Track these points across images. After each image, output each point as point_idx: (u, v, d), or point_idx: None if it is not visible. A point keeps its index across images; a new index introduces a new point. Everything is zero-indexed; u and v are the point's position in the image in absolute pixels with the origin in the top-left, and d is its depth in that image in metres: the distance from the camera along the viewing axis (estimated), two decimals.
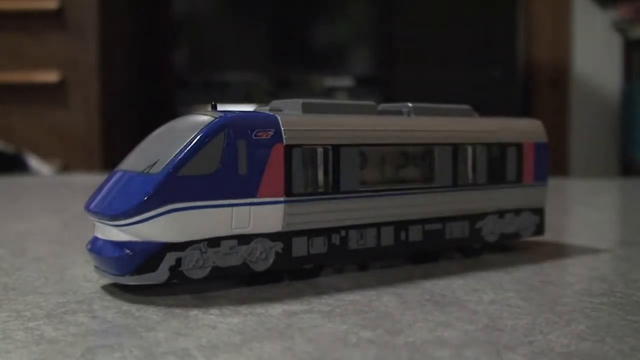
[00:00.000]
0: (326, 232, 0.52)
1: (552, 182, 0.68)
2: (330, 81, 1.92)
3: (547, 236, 0.68)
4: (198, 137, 0.46)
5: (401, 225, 0.56)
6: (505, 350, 0.36)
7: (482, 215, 0.61)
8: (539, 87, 2.10)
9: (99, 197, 0.48)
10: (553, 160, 0.69)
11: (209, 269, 0.47)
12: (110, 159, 1.71)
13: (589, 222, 0.94)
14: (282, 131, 0.49)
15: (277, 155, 0.49)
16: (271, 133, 0.48)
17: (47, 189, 1.43)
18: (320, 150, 0.51)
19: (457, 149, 0.59)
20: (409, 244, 0.56)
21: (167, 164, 0.45)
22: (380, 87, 1.90)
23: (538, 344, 0.37)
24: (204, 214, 0.46)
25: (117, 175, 0.49)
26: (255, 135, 0.48)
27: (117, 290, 0.48)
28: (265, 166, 0.48)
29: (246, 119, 0.48)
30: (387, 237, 0.55)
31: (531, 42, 2.08)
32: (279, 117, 0.49)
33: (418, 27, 1.95)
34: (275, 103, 0.54)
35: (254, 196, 0.48)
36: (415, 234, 0.56)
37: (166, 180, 0.45)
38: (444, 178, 0.58)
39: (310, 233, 0.51)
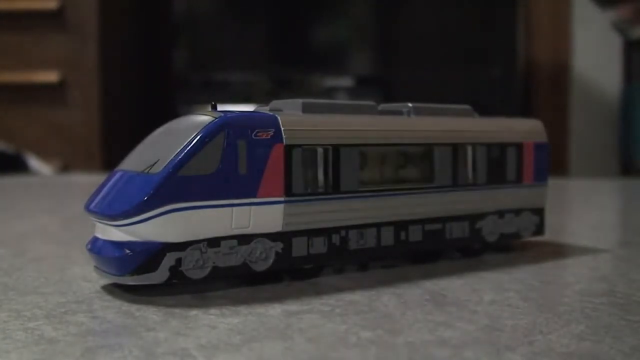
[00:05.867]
0: (326, 232, 0.52)
1: (552, 182, 0.68)
2: (330, 81, 1.92)
3: (547, 236, 0.68)
4: (198, 137, 0.46)
5: (401, 225, 0.56)
6: (505, 350, 0.36)
7: (482, 215, 0.61)
8: (539, 87, 2.10)
9: (99, 197, 0.48)
10: (553, 160, 0.69)
11: (209, 269, 0.47)
12: (110, 159, 1.71)
13: (589, 222, 0.94)
14: (282, 131, 0.49)
15: (277, 155, 0.49)
16: (271, 133, 0.48)
17: (47, 189, 1.43)
18: (320, 150, 0.51)
19: (457, 149, 0.59)
20: (409, 244, 0.56)
21: (167, 164, 0.45)
22: (380, 87, 1.90)
23: (538, 344, 0.37)
24: (204, 214, 0.46)
25: (117, 175, 0.49)
26: (255, 135, 0.48)
27: (117, 290, 0.48)
28: (265, 166, 0.48)
29: (246, 119, 0.48)
30: (387, 237, 0.55)
31: (531, 42, 2.08)
32: (279, 117, 0.49)
33: (418, 27, 1.94)
34: (275, 103, 0.54)
35: (254, 196, 0.48)
36: (415, 234, 0.56)
37: (166, 180, 0.45)
38: (444, 178, 0.58)
39: (310, 233, 0.51)
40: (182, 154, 0.45)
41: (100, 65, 1.89)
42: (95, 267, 0.49)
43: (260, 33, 2.01)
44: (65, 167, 1.88)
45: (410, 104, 0.59)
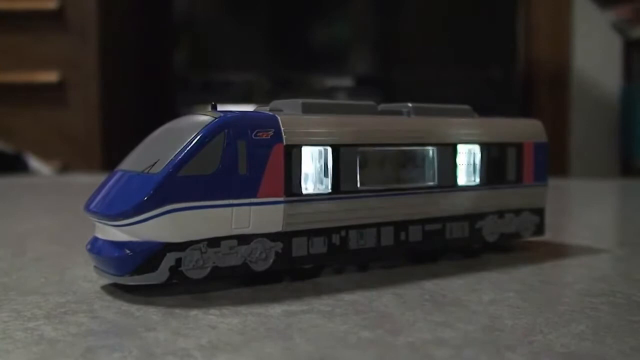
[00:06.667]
0: (326, 232, 0.52)
1: (552, 182, 0.68)
2: (330, 81, 1.92)
3: (547, 236, 0.68)
4: (198, 137, 0.46)
5: (401, 225, 0.56)
6: (505, 350, 0.36)
7: (482, 215, 0.61)
8: (539, 87, 2.10)
9: (98, 197, 0.48)
10: (553, 160, 0.69)
11: (209, 269, 0.47)
12: (110, 159, 1.71)
13: (589, 222, 0.94)
14: (282, 131, 0.49)
15: (277, 155, 0.49)
16: (271, 133, 0.48)
17: (47, 189, 1.43)
18: (320, 150, 0.51)
19: (457, 149, 0.59)
20: (409, 244, 0.56)
21: (167, 164, 0.45)
22: (380, 87, 1.90)
23: (538, 344, 0.37)
24: (204, 214, 0.46)
25: (117, 175, 0.49)
26: (255, 135, 0.48)
27: (117, 290, 0.48)
28: (265, 166, 0.48)
29: (246, 119, 0.48)
30: (387, 237, 0.55)
31: (531, 42, 2.08)
32: (279, 117, 0.49)
33: (418, 27, 1.95)
34: (275, 103, 0.54)
35: (254, 196, 0.48)
36: (415, 234, 0.56)
37: (166, 180, 0.45)
38: (444, 178, 0.58)
39: (310, 233, 0.51)
40: (182, 154, 0.45)
41: (100, 65, 1.89)
42: (95, 267, 0.49)
43: (260, 33, 2.01)
44: (65, 167, 1.88)
45: (410, 104, 0.59)
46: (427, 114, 0.59)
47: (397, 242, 0.55)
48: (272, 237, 0.49)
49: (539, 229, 0.66)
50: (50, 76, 1.87)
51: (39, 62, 1.88)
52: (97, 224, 0.49)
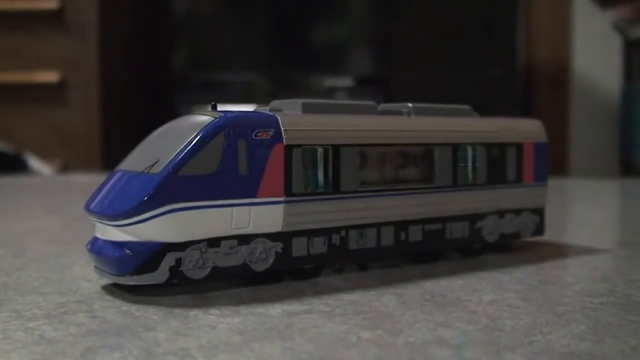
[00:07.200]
0: (326, 232, 0.52)
1: (552, 182, 0.68)
2: (330, 81, 1.92)
3: (547, 236, 0.68)
4: (198, 137, 0.46)
5: (401, 225, 0.56)
6: (505, 350, 0.36)
7: (482, 215, 0.61)
8: (539, 87, 2.10)
9: (99, 197, 0.48)
10: (553, 160, 0.69)
11: (209, 269, 0.47)
12: (110, 159, 1.71)
13: (589, 222, 0.94)
14: (282, 131, 0.49)
15: (277, 155, 0.49)
16: (271, 133, 0.48)
17: (47, 189, 1.43)
18: (320, 150, 0.51)
19: (457, 149, 0.59)
20: (409, 244, 0.56)
21: (167, 164, 0.45)
22: (380, 87, 1.90)
23: (538, 344, 0.37)
24: (204, 214, 0.46)
25: (117, 175, 0.49)
26: (255, 136, 0.48)
27: (117, 290, 0.48)
28: (265, 166, 0.48)
29: (246, 119, 0.48)
30: (387, 237, 0.55)
31: (531, 42, 2.08)
32: (279, 117, 0.50)
33: (418, 27, 1.94)
34: (275, 103, 0.54)
35: (254, 196, 0.48)
36: (415, 234, 0.56)
37: (166, 180, 0.45)
38: (444, 178, 0.58)
39: (310, 233, 0.51)
40: (182, 154, 0.45)
41: (100, 65, 1.88)
42: (95, 267, 0.49)
43: (260, 33, 2.01)
44: (65, 167, 1.88)
45: (410, 104, 0.59)
46: (427, 114, 0.59)
47: (397, 242, 0.55)
48: (272, 237, 0.49)
49: (539, 229, 0.66)
50: (50, 76, 1.87)
51: (39, 62, 1.88)
52: (97, 223, 0.49)
